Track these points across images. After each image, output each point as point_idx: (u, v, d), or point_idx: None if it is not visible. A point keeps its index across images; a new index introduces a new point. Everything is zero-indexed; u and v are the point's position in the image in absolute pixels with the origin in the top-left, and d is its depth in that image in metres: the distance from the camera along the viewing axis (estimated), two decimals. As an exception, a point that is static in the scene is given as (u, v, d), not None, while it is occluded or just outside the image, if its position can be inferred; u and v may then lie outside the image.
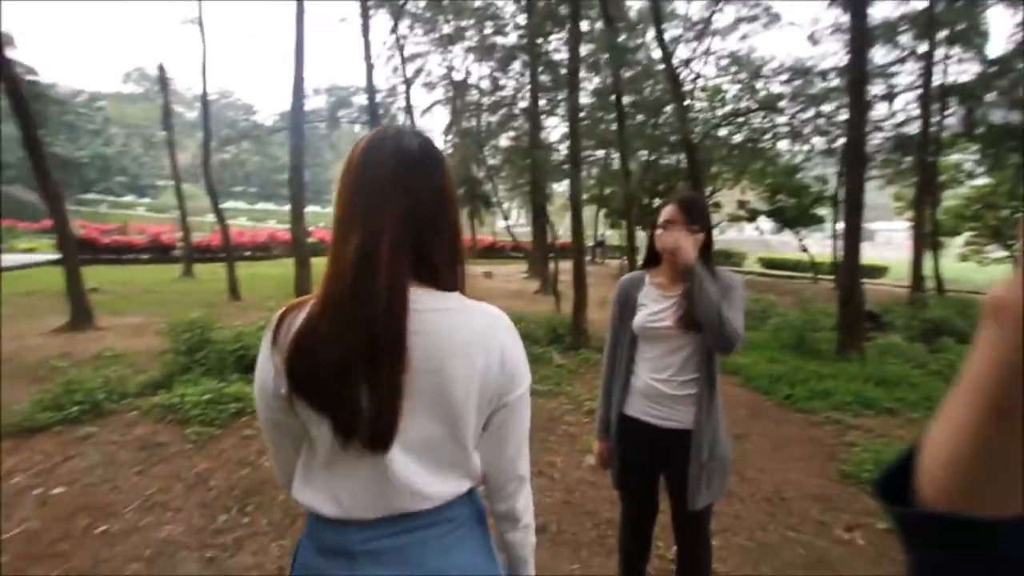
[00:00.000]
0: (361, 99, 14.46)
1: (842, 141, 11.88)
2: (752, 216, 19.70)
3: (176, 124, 17.73)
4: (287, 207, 10.47)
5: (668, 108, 12.14)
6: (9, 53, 7.20)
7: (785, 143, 15.88)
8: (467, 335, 0.77)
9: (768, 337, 6.48)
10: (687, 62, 13.52)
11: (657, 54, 11.47)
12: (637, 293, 1.62)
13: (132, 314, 7.83)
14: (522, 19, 14.00)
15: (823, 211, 16.97)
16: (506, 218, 17.80)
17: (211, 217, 11.82)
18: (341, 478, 0.76)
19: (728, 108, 15.71)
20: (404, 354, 0.71)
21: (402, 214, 0.74)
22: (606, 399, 1.71)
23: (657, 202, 21.21)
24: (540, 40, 12.20)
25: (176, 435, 3.38)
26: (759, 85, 14.63)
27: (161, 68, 14.38)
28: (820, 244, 21.20)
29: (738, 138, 16.07)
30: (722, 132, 15.50)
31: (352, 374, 0.69)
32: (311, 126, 16.09)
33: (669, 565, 2.13)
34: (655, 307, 1.56)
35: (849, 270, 6.18)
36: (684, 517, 1.59)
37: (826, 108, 12.77)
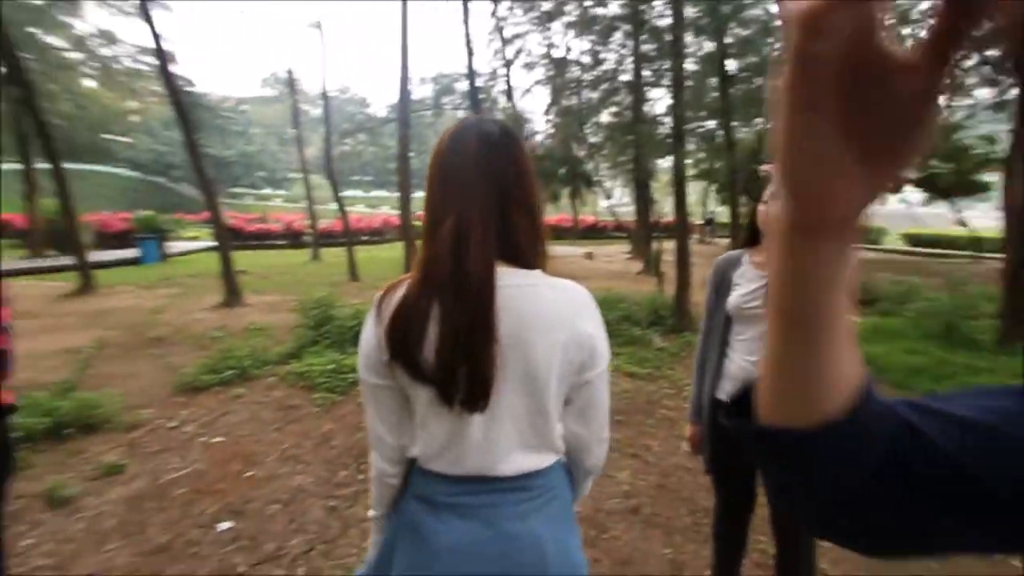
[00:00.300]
0: (464, 85, 14.83)
1: (1016, 92, 9.86)
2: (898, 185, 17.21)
3: (304, 121, 19.65)
4: (398, 194, 11.18)
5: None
6: (171, 69, 8.43)
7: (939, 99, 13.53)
8: (549, 311, 0.81)
9: (907, 324, 5.69)
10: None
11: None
12: (733, 272, 1.54)
13: (271, 293, 8.93)
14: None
15: (989, 177, 14.31)
16: (607, 197, 17.40)
17: (334, 206, 12.97)
18: (431, 436, 0.84)
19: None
20: (494, 328, 0.77)
21: (489, 196, 0.80)
22: (699, 381, 1.65)
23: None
24: (643, 6, 11.59)
25: (306, 399, 3.85)
26: (906, 31, 12.57)
27: (289, 72, 15.96)
28: (985, 217, 17.96)
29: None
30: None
31: (449, 346, 0.76)
32: (417, 115, 16.92)
33: (770, 560, 2.02)
34: (751, 286, 1.47)
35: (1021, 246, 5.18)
36: (778, 511, 1.50)
37: (995, 53, 10.65)
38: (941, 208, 16.70)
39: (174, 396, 3.91)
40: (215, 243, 8.47)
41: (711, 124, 16.18)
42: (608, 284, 8.38)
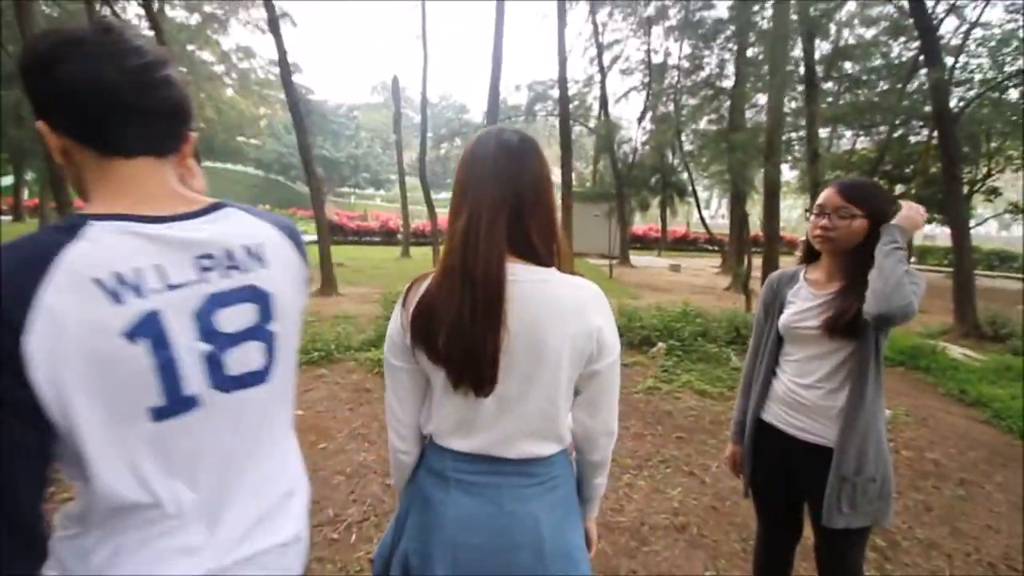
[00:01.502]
0: (556, 92, 14.95)
1: None
2: (1050, 207, 14.76)
3: (406, 126, 20.90)
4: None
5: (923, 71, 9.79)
6: (294, 79, 9.39)
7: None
8: (560, 304, 0.87)
9: (1043, 365, 4.90)
10: (953, 8, 10.59)
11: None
12: (788, 290, 1.47)
13: (363, 285, 9.63)
14: (731, -11, 12.77)
15: None
16: (700, 208, 16.64)
17: (426, 209, 13.68)
18: (446, 413, 0.92)
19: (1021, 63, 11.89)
20: (501, 315, 0.83)
21: (501, 196, 0.86)
22: (743, 400, 1.59)
23: (899, 188, 17.39)
24: (755, 6, 10.98)
25: (379, 384, 4.13)
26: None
27: (394, 79, 17.04)
28: None
29: (1034, 102, 12.07)
30: (1012, 94, 11.81)
31: (459, 331, 0.83)
32: (510, 121, 17.33)
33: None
34: (803, 305, 1.39)
35: None
36: (821, 538, 1.41)
37: None
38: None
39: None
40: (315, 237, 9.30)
41: (824, 132, 14.97)
42: (690, 298, 8.04)
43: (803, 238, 1.49)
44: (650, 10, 16.42)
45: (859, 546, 1.40)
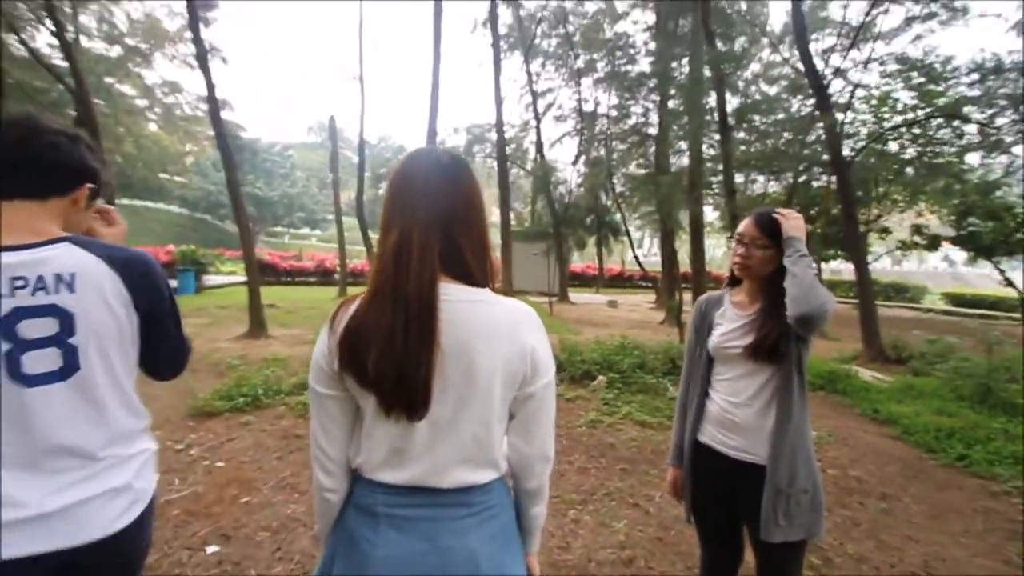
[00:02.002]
0: (495, 136, 15.41)
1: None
2: (932, 243, 16.68)
3: (344, 166, 20.65)
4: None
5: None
6: (223, 115, 9.09)
7: (975, 156, 13.29)
8: (493, 324, 0.84)
9: (939, 385, 5.40)
10: (839, 71, 12.09)
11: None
12: (715, 311, 1.53)
13: (296, 326, 9.16)
14: (652, 46, 13.94)
15: (1036, 236, 13.69)
16: (633, 246, 17.45)
17: (364, 248, 13.41)
18: (375, 443, 0.86)
19: (898, 119, 13.65)
20: (434, 334, 0.80)
21: (432, 214, 0.85)
22: (680, 424, 1.62)
23: (807, 228, 19.12)
24: (671, 64, 12.00)
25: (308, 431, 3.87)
26: (938, 88, 12.53)
27: (331, 119, 16.95)
28: (1032, 277, 17.11)
29: (912, 152, 13.84)
30: (892, 146, 13.49)
31: (390, 351, 0.79)
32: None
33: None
34: (730, 326, 1.46)
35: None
36: (761, 558, 1.42)
37: (1033, 110, 10.45)
38: (987, 268, 16.04)
39: (186, 419, 4.00)
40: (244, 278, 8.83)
41: (739, 178, 16.31)
42: (627, 332, 8.28)
43: (727, 272, 1.58)
44: (579, 63, 17.54)
45: (798, 561, 1.43)
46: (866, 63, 12.98)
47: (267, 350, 6.80)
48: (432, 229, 0.84)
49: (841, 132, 10.21)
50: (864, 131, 13.02)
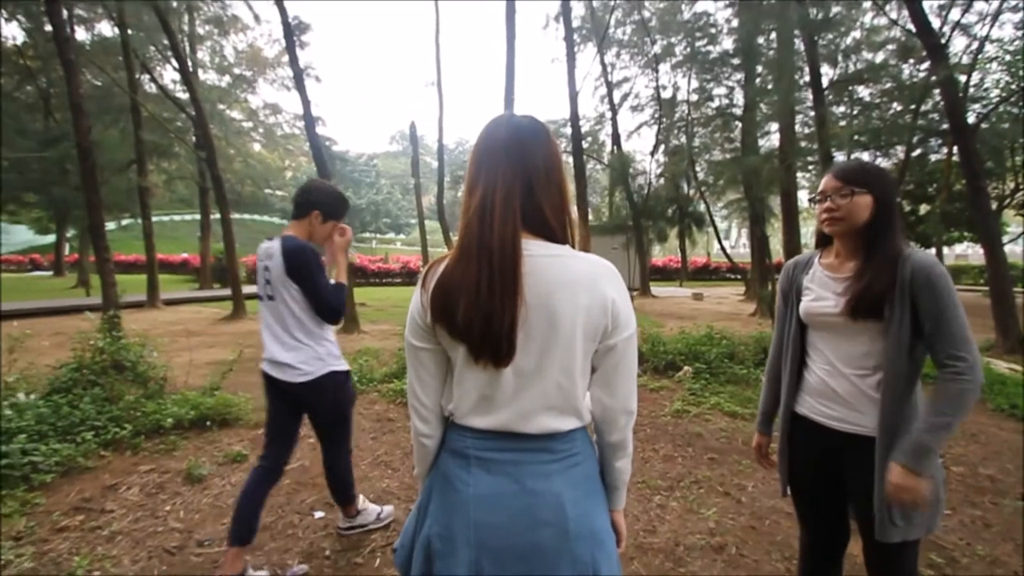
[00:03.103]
0: (569, 130, 15.31)
1: None
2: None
3: (424, 172, 21.57)
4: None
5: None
6: (317, 130, 9.84)
7: None
8: (572, 277, 0.87)
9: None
10: (959, 26, 10.63)
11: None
12: (803, 276, 1.43)
13: (385, 322, 9.72)
14: (735, 23, 13.14)
15: None
16: (719, 237, 16.55)
17: (445, 249, 13.92)
18: (465, 391, 0.91)
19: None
20: (517, 286, 0.84)
21: (513, 173, 0.89)
22: (768, 391, 1.54)
23: (924, 209, 17.02)
24: (757, 40, 11.23)
25: (401, 414, 4.11)
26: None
27: (412, 127, 17.71)
28: None
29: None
30: (1031, 106, 11.60)
31: (477, 303, 0.84)
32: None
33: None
34: (820, 290, 1.36)
35: None
36: (871, 549, 1.31)
37: None
38: None
39: (293, 403, 4.39)
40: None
41: (840, 156, 14.89)
42: (714, 324, 7.88)
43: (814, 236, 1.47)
44: (656, 48, 16.92)
45: (914, 559, 1.29)
46: (996, 16, 11.32)
47: (360, 343, 7.28)
48: (513, 188, 0.87)
49: (965, 95, 9.00)
50: (995, 93, 11.37)
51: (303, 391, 2.00)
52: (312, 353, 1.99)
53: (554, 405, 0.89)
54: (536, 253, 0.87)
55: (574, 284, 0.86)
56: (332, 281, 2.02)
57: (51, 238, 25.16)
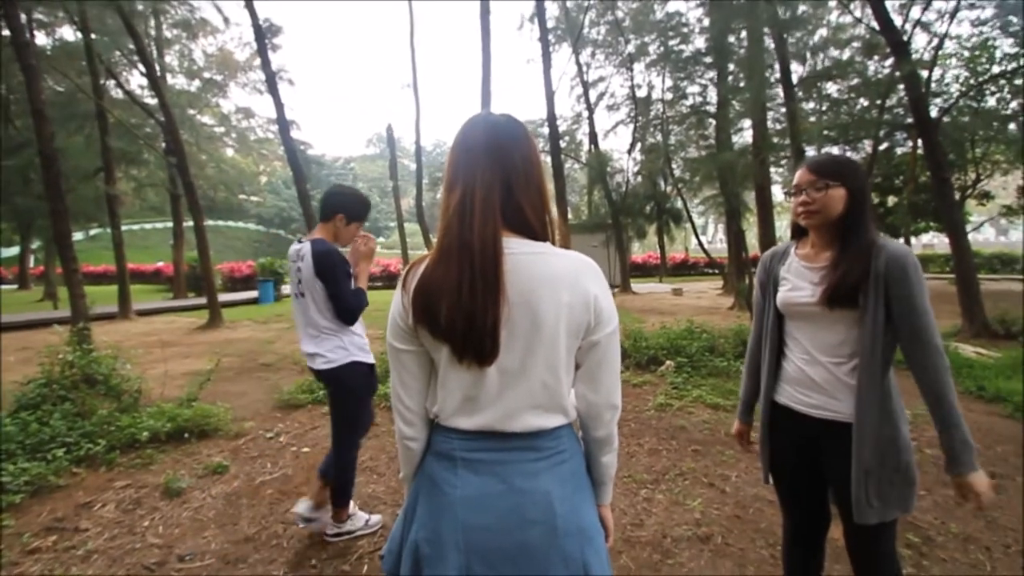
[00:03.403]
0: (547, 130, 15.36)
1: None
2: (1044, 207, 14.84)
3: (403, 174, 21.36)
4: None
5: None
6: (292, 134, 9.69)
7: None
8: (554, 274, 0.87)
9: (1060, 358, 4.82)
10: (919, 24, 10.96)
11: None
12: (780, 266, 1.46)
13: (366, 326, 9.60)
14: (707, 22, 13.35)
15: None
16: (696, 232, 16.80)
17: (425, 251, 13.85)
18: (449, 392, 0.90)
19: (996, 70, 12.11)
20: (499, 284, 0.83)
21: (491, 172, 0.88)
22: (748, 380, 1.57)
23: (892, 201, 17.53)
24: (728, 39, 11.43)
25: (386, 418, 4.06)
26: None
27: (389, 129, 17.58)
28: None
29: (1014, 106, 12.28)
30: (990, 102, 12.03)
31: (459, 302, 0.83)
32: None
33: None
34: (797, 280, 1.39)
35: None
36: (851, 532, 1.35)
37: None
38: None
39: (273, 411, 4.33)
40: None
41: (811, 151, 15.24)
42: (694, 318, 7.99)
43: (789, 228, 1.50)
44: (630, 48, 17.10)
45: (892, 539, 1.33)
46: (953, 13, 11.72)
47: (342, 349, 7.18)
48: (492, 186, 0.87)
49: (928, 90, 9.30)
50: (955, 88, 11.77)
51: (327, 378, 2.19)
52: (337, 343, 2.15)
53: (539, 403, 0.89)
54: (517, 251, 0.86)
55: (556, 281, 0.86)
56: (353, 286, 2.17)
57: (15, 250, 24.27)
